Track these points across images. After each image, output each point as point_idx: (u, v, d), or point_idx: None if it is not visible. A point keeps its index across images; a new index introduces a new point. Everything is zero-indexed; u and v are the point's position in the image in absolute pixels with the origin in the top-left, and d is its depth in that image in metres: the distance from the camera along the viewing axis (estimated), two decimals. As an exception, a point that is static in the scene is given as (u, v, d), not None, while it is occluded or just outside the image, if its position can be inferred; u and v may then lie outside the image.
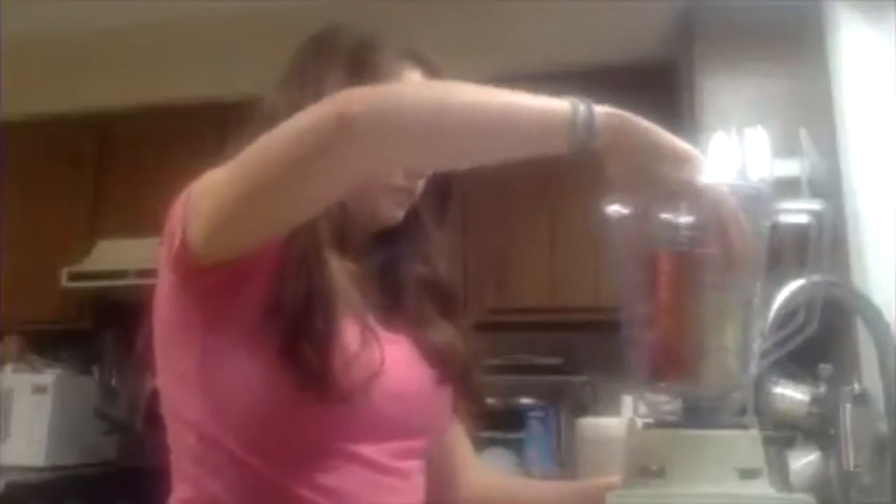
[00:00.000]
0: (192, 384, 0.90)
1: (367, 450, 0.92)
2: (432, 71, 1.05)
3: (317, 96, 0.93)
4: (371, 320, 0.94)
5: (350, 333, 0.89)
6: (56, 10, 3.18)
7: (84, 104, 3.55)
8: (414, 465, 0.99)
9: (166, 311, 0.93)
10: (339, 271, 0.93)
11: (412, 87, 0.94)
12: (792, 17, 2.44)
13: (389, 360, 0.92)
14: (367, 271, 1.01)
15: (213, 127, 3.15)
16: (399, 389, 0.94)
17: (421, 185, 1.04)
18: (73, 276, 3.30)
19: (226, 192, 0.83)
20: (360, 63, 1.00)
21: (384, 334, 0.96)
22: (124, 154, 3.54)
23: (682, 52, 2.83)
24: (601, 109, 0.79)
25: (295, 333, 0.86)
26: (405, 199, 1.03)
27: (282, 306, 0.86)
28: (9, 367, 3.35)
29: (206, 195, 0.86)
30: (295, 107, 0.93)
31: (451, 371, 1.02)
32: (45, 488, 3.00)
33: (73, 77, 3.48)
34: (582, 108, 0.78)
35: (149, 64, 3.38)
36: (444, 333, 1.04)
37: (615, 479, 0.96)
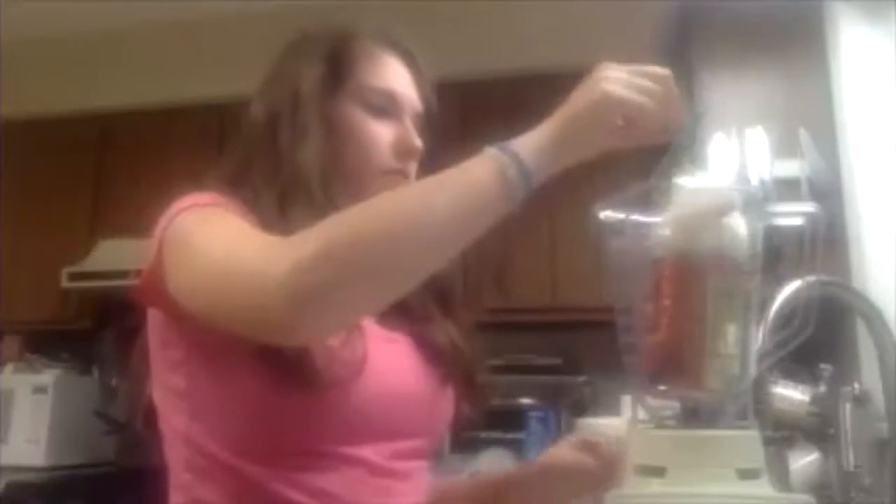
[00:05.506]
0: (180, 397, 0.91)
1: (363, 451, 0.90)
2: (407, 56, 1.04)
3: (294, 96, 0.97)
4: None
5: None
6: (56, 10, 3.19)
7: (84, 104, 3.55)
8: (416, 466, 0.97)
9: (149, 326, 0.94)
10: None
11: (353, 225, 0.80)
12: (792, 17, 2.43)
13: (382, 359, 0.91)
14: None
15: (213, 127, 3.16)
16: (391, 389, 0.92)
17: (414, 167, 1.01)
18: (73, 276, 3.30)
19: (195, 280, 0.83)
20: (337, 55, 1.00)
21: (381, 332, 0.94)
22: (125, 154, 3.54)
23: (681, 52, 2.83)
24: (523, 144, 0.80)
25: None
26: (399, 183, 0.99)
27: None
28: (9, 367, 3.35)
29: (184, 253, 0.84)
30: (273, 109, 0.97)
31: (454, 371, 1.01)
32: (45, 488, 3.00)
33: (73, 77, 3.48)
34: (505, 159, 0.78)
35: (149, 64, 3.39)
36: (446, 332, 1.02)
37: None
